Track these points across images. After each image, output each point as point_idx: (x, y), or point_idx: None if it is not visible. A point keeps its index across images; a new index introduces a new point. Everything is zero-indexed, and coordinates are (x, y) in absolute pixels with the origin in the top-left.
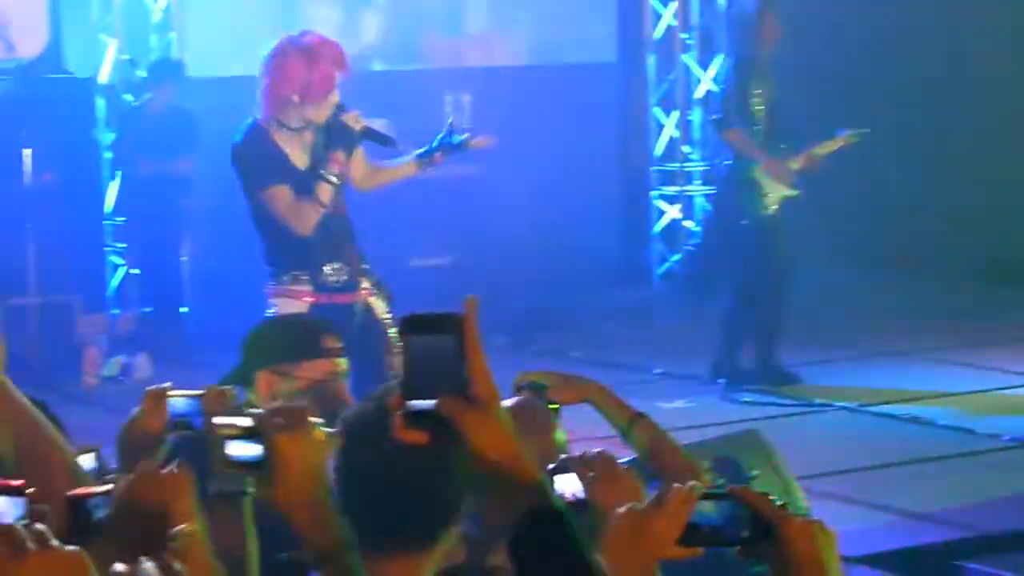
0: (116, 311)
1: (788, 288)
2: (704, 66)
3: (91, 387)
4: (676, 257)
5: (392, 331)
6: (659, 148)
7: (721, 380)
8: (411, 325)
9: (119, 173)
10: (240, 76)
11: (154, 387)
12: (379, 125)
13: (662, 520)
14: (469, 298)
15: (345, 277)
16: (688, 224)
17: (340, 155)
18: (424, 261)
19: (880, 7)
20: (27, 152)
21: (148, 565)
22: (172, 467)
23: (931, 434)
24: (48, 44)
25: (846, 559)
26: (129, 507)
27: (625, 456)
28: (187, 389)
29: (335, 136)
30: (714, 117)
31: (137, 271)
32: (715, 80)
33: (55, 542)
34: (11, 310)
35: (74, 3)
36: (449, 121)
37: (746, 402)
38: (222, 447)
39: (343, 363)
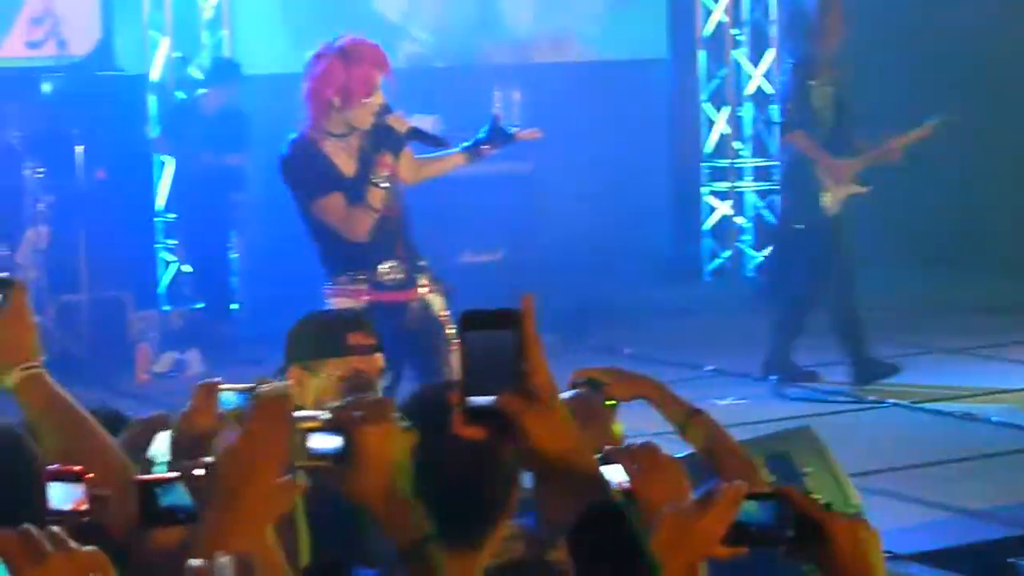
0: (167, 308)
1: (856, 284)
2: (755, 62)
3: (143, 383)
4: (727, 253)
5: (450, 328)
6: (710, 144)
7: (773, 376)
8: (469, 322)
9: (170, 170)
10: (293, 74)
11: (204, 382)
12: (428, 123)
13: (709, 519)
14: (527, 295)
15: (401, 275)
16: (739, 220)
17: (388, 158)
18: (475, 257)
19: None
20: (79, 149)
21: (224, 559)
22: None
23: (985, 431)
24: (100, 42)
25: (899, 556)
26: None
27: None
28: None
29: (381, 139)
30: (778, 121)
31: (188, 268)
32: (766, 76)
33: (73, 544)
34: (63, 307)
35: (126, 1)
36: (494, 113)
37: (798, 399)
38: (303, 440)
39: (375, 360)
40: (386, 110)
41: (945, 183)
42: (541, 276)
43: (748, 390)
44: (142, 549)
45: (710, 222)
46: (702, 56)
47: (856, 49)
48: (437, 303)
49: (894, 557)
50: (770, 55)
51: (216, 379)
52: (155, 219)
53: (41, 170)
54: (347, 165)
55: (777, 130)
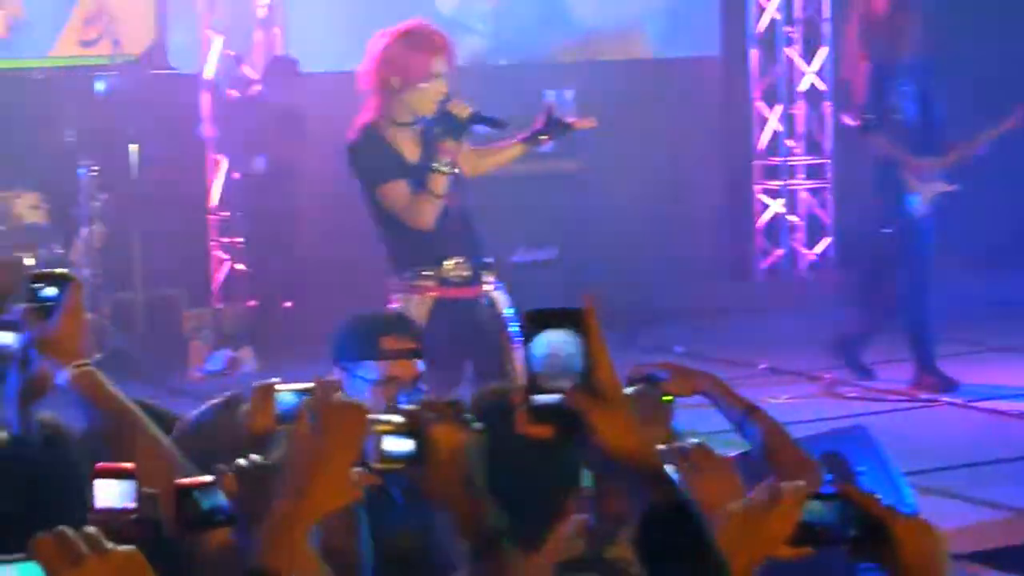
0: (221, 305)
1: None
2: (808, 60)
3: (196, 381)
4: (779, 251)
5: (513, 326)
6: (762, 142)
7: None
8: (534, 320)
9: (224, 168)
10: (347, 72)
11: (261, 383)
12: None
13: (775, 518)
14: (589, 294)
15: (468, 272)
16: (791, 218)
17: (449, 144)
18: (526, 256)
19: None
20: (133, 147)
21: None
22: None
23: None
24: (154, 41)
25: (954, 556)
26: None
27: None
28: (291, 383)
29: (443, 126)
30: (861, 124)
31: (242, 266)
32: (819, 74)
33: (110, 544)
34: (118, 305)
35: (180, 0)
36: (548, 103)
37: (852, 397)
38: (378, 443)
39: (410, 365)
40: (447, 98)
41: (1014, 182)
42: (592, 274)
43: (801, 389)
44: (202, 548)
45: (762, 220)
46: (754, 53)
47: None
48: (501, 300)
49: (949, 557)
50: (823, 52)
51: (273, 380)
52: (208, 216)
53: (96, 169)
54: (412, 152)
55: (858, 134)
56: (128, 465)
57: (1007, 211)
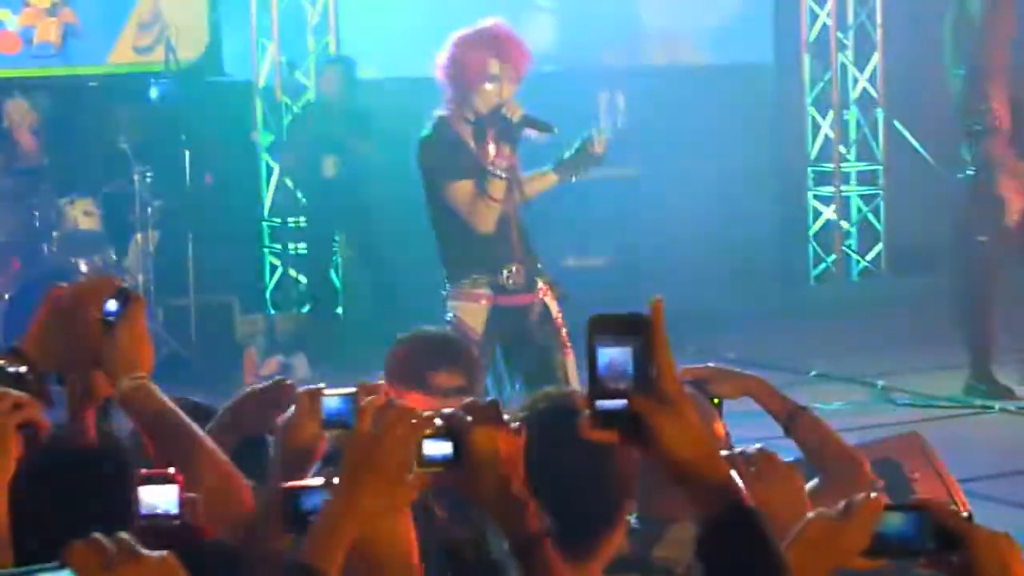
0: (273, 311)
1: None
2: (860, 66)
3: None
4: (832, 258)
5: (563, 330)
6: (815, 149)
7: (979, 388)
8: (598, 325)
9: (276, 174)
10: (399, 77)
11: (307, 388)
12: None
13: (852, 530)
14: (656, 298)
15: (522, 279)
16: (844, 225)
17: (506, 149)
18: (579, 261)
19: None
20: (187, 154)
21: None
22: None
23: None
24: (208, 47)
25: None
26: None
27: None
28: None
29: (499, 130)
30: (975, 128)
31: (294, 272)
32: (871, 80)
33: (143, 550)
34: (171, 311)
35: (233, 7)
36: (588, 135)
37: (905, 404)
38: (419, 447)
39: (458, 403)
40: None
41: None
42: (645, 280)
43: (854, 395)
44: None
45: (815, 226)
46: (807, 60)
47: None
48: (553, 306)
49: None
50: (875, 58)
51: (319, 385)
52: (262, 223)
53: (150, 175)
54: (479, 153)
55: (971, 139)
56: (171, 471)
57: None
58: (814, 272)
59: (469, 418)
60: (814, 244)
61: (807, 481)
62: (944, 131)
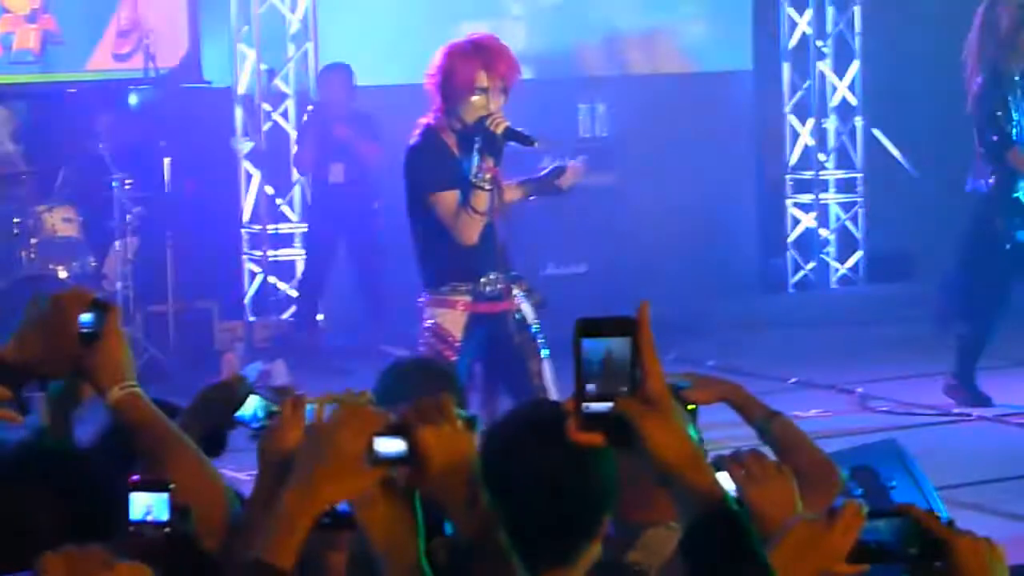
0: (253, 318)
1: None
2: (839, 74)
3: None
4: (810, 265)
5: (541, 338)
6: (794, 157)
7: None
8: (585, 328)
9: (256, 181)
10: (378, 86)
11: (292, 396)
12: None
13: (835, 535)
14: (643, 302)
15: (500, 286)
16: (823, 232)
17: (489, 160)
18: (559, 269)
19: None
20: (166, 161)
21: None
22: None
23: None
24: (187, 54)
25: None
26: None
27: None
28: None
29: (483, 141)
30: (994, 139)
31: (274, 279)
32: (850, 88)
33: (116, 561)
34: (150, 317)
35: (213, 14)
36: (559, 164)
37: (883, 411)
38: (370, 444)
39: None
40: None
41: None
42: (624, 287)
43: (832, 403)
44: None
45: (794, 234)
46: (786, 68)
47: None
48: (529, 312)
49: None
50: (854, 66)
51: (303, 394)
52: (241, 230)
53: (129, 181)
54: (464, 163)
55: (992, 149)
56: (162, 479)
57: None
58: (793, 280)
59: (420, 416)
60: (793, 252)
61: None
62: (922, 139)
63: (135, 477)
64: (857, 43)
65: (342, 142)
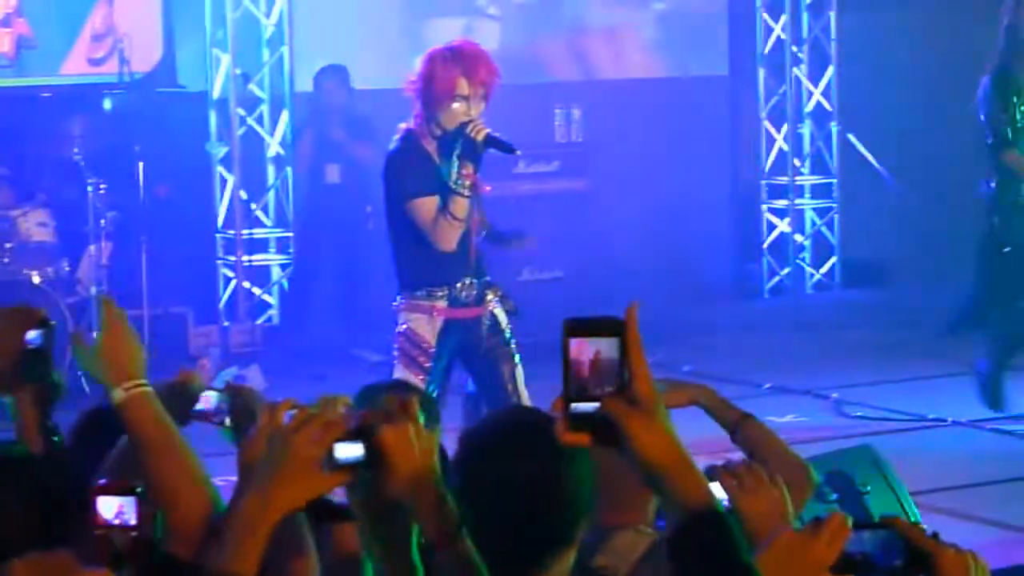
0: (227, 323)
1: None
2: (814, 80)
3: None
4: (785, 270)
5: (513, 343)
6: (769, 162)
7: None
8: (573, 329)
9: (231, 186)
10: (355, 90)
11: (270, 402)
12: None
13: (820, 546)
14: (631, 304)
15: (475, 291)
16: (798, 238)
17: (469, 167)
18: (533, 275)
19: None
20: (141, 165)
21: None
22: None
23: None
24: (162, 59)
25: None
26: None
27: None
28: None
29: (464, 148)
30: (989, 141)
31: (248, 284)
32: (825, 94)
33: (81, 567)
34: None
35: (188, 19)
36: (520, 238)
37: (858, 417)
38: (330, 450)
39: None
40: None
41: None
42: (600, 292)
43: (807, 408)
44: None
45: (769, 239)
46: (762, 73)
47: None
48: (502, 317)
49: None
50: (830, 72)
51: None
52: (216, 234)
53: (103, 186)
54: (443, 170)
55: (988, 152)
56: (130, 483)
57: None
58: (768, 285)
59: (381, 417)
60: (768, 257)
61: None
62: (897, 144)
63: (102, 481)
64: (832, 49)
65: (338, 143)
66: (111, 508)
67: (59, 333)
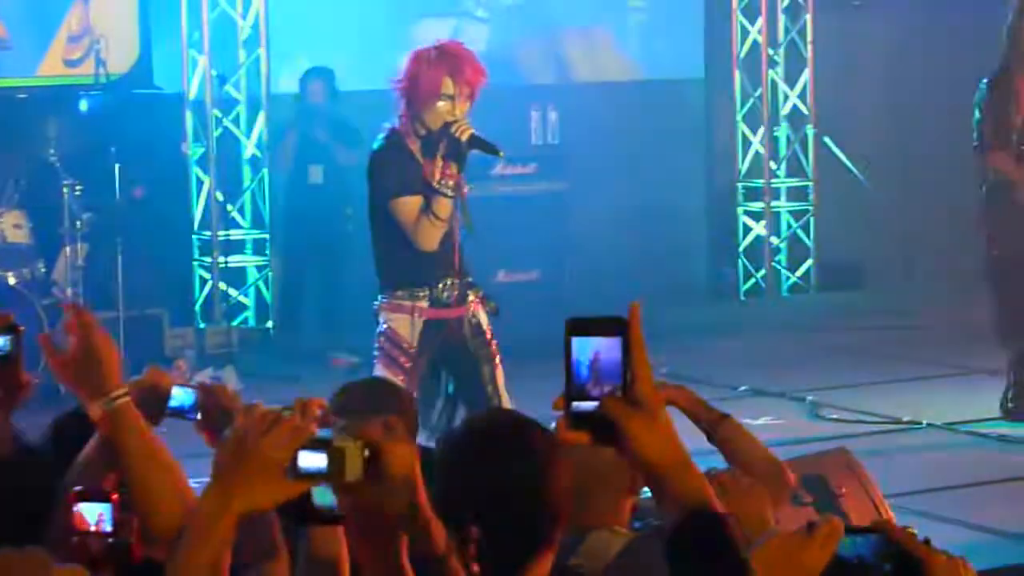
0: (203, 325)
1: None
2: (790, 83)
3: None
4: (761, 273)
5: (494, 345)
6: (745, 164)
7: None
8: (575, 328)
9: (208, 188)
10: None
11: (246, 404)
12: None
13: (813, 549)
14: (634, 303)
15: (457, 292)
16: (774, 240)
17: (453, 167)
18: (509, 276)
19: None
20: (117, 167)
21: None
22: None
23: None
24: (138, 60)
25: None
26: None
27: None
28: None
29: (448, 147)
30: (975, 143)
31: (224, 285)
32: (801, 96)
33: (54, 565)
34: (100, 323)
35: (164, 19)
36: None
37: (833, 419)
38: (293, 457)
39: None
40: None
41: None
42: (576, 294)
43: (782, 410)
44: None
45: (745, 242)
46: (738, 76)
47: None
48: (483, 318)
49: None
50: (806, 75)
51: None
52: (192, 236)
53: (79, 187)
54: (428, 169)
55: (977, 152)
56: (106, 489)
57: None
58: (743, 287)
59: (380, 431)
60: (744, 259)
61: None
62: (873, 148)
63: (80, 487)
64: (809, 52)
65: (322, 144)
66: (88, 514)
67: (34, 334)
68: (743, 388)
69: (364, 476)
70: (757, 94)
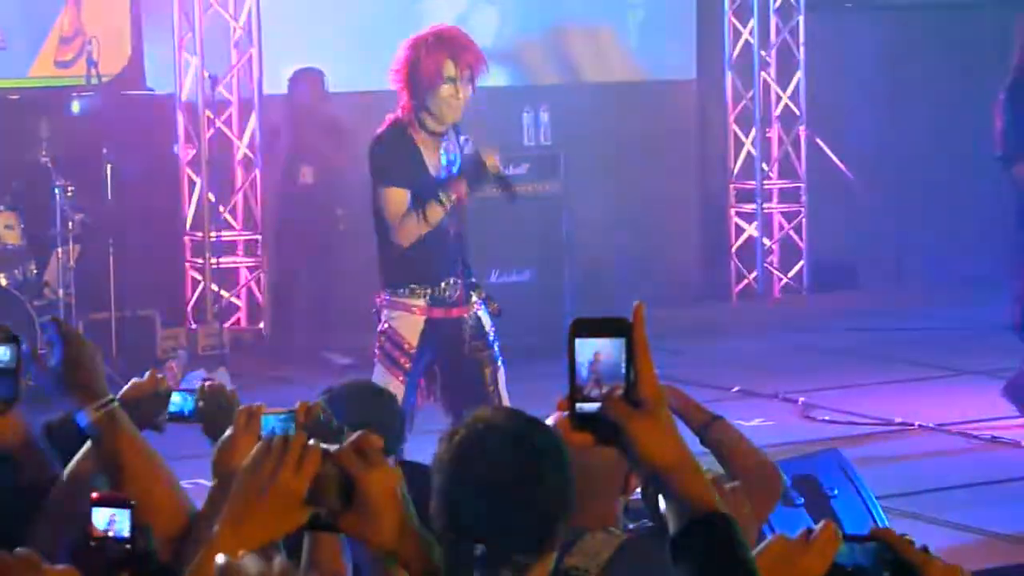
0: (195, 326)
1: None
2: (782, 84)
3: None
4: (753, 274)
5: (496, 346)
6: (737, 166)
7: None
8: (579, 328)
9: (200, 188)
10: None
11: (245, 407)
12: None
13: (811, 556)
14: (638, 303)
15: (459, 292)
16: (765, 242)
17: (463, 186)
18: (503, 277)
19: None
20: (108, 168)
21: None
22: None
23: (1013, 455)
24: (130, 61)
25: None
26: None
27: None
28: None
29: (469, 165)
30: (997, 155)
31: (216, 287)
32: (792, 98)
33: (46, 566)
34: (92, 325)
35: (156, 21)
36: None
37: (826, 421)
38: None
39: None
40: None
41: None
42: (568, 295)
43: (775, 411)
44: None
45: (737, 243)
46: (730, 77)
47: None
48: (486, 319)
49: None
50: (798, 76)
51: (258, 403)
52: (184, 237)
53: (71, 189)
54: (432, 164)
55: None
56: (125, 496)
57: None
58: (736, 289)
59: (358, 458)
60: (736, 261)
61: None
62: (865, 149)
63: (98, 492)
64: (801, 53)
65: (313, 145)
66: (105, 519)
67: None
68: (735, 389)
69: (343, 507)
70: (749, 95)
